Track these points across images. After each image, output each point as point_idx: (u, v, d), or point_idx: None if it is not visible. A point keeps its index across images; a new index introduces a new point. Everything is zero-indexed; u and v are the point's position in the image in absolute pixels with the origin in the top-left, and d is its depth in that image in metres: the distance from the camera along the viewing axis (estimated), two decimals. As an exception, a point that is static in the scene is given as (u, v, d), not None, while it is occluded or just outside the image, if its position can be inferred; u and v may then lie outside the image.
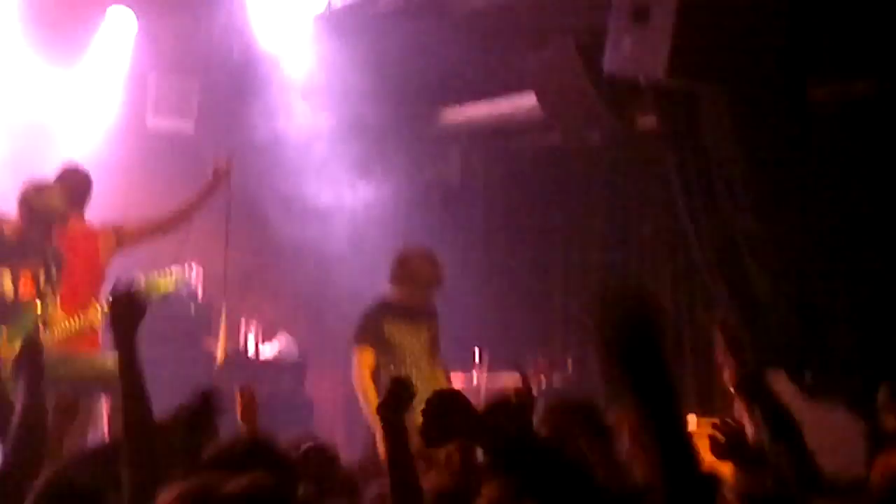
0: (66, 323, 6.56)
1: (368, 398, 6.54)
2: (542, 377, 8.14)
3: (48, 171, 7.27)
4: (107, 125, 10.52)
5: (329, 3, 9.25)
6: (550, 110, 8.17)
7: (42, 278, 6.51)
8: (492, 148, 9.29)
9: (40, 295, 6.48)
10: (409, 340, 6.85)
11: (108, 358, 6.69)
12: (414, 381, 6.36)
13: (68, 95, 10.30)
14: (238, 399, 4.64)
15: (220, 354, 8.21)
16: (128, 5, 10.21)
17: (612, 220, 8.82)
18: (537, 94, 8.20)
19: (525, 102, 8.52)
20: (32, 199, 6.49)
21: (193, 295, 8.58)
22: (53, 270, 6.55)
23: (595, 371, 7.47)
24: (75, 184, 7.03)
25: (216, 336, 8.41)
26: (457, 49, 8.68)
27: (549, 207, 9.18)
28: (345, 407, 8.73)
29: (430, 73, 9.12)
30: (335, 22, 9.44)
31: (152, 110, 10.64)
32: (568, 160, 8.99)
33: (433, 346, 6.99)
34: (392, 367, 6.65)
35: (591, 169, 8.95)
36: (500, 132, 9.15)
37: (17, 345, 6.29)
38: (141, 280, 7.28)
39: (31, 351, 3.95)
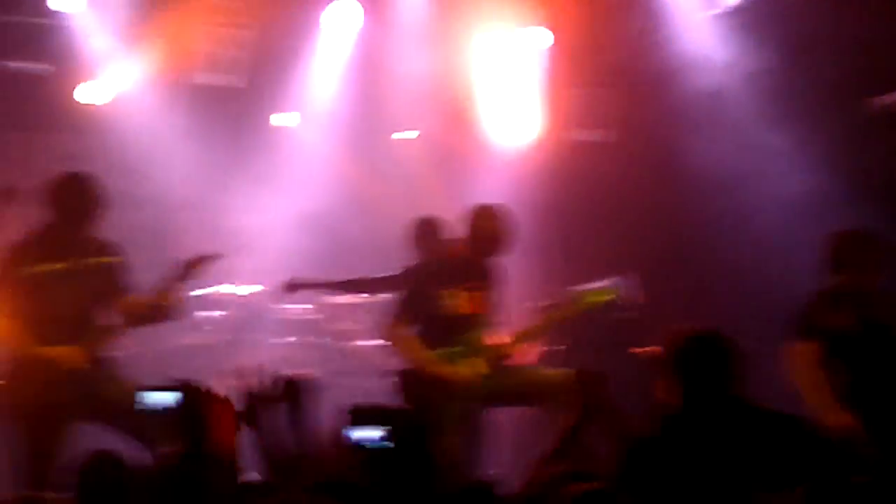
0: (507, 337, 6.82)
1: (812, 393, 6.26)
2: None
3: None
4: (528, 140, 10.89)
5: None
6: None
7: (485, 296, 6.78)
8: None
9: (484, 311, 6.76)
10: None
11: (546, 370, 6.92)
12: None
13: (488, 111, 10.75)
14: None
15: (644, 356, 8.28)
16: (543, 23, 10.47)
17: None
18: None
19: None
20: (476, 222, 6.73)
21: (626, 304, 8.69)
22: (495, 289, 6.81)
23: None
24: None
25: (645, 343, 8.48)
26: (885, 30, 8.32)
27: None
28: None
29: (854, 58, 8.79)
30: (744, 17, 9.34)
31: (570, 123, 10.90)
32: None
33: None
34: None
35: None
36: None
37: (466, 358, 6.62)
38: (581, 291, 7.48)
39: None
